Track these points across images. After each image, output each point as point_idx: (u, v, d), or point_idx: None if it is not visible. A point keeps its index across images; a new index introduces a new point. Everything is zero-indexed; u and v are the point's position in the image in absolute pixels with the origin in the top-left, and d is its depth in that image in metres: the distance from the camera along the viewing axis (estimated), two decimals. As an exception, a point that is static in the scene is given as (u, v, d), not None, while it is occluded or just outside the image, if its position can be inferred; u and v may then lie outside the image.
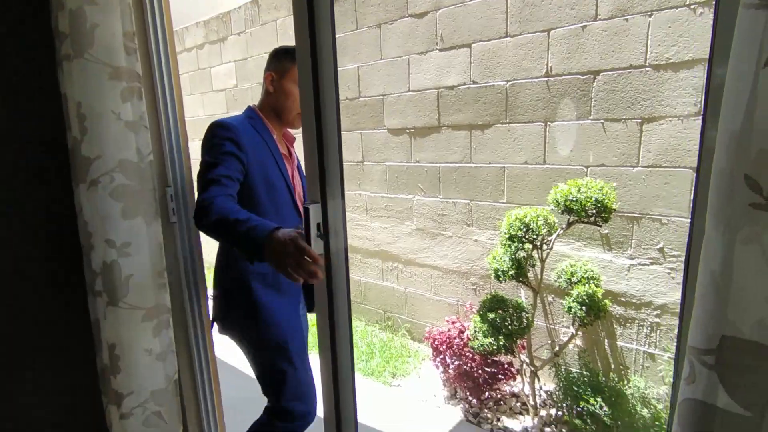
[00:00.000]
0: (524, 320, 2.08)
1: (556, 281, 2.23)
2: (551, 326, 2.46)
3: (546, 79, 2.23)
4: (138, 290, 1.22)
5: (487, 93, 2.45)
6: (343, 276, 1.07)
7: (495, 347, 2.13)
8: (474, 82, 2.48)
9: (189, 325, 1.51)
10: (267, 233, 1.03)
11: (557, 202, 1.90)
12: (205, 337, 1.57)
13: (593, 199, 1.80)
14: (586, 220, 1.86)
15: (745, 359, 0.36)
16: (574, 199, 1.83)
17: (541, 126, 2.29)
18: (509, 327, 2.05)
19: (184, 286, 1.49)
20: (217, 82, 4.14)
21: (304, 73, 0.96)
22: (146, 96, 1.27)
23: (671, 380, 2.07)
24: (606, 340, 2.31)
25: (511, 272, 2.07)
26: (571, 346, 2.37)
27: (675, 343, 2.04)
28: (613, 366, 2.31)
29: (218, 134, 1.39)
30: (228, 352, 2.95)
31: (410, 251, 3.02)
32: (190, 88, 4.46)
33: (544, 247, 2.12)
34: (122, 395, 1.25)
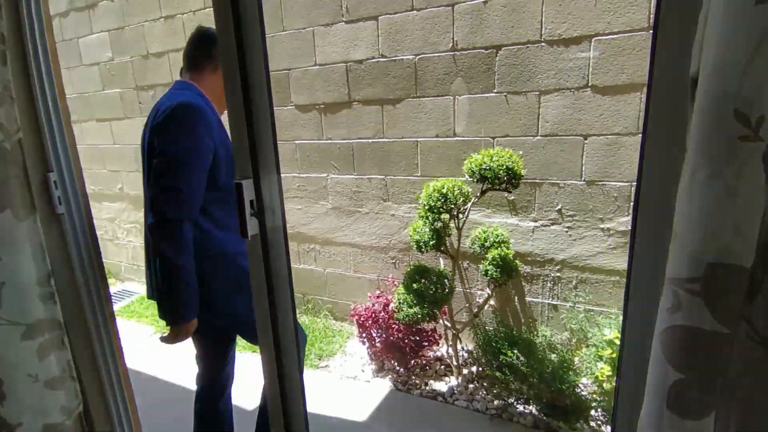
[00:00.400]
0: (447, 287, 2.17)
1: (470, 247, 2.35)
2: (467, 290, 2.61)
3: (452, 53, 2.30)
4: (13, 301, 1.01)
5: (396, 67, 2.45)
6: (283, 259, 1.00)
7: (420, 316, 2.20)
8: (383, 56, 2.47)
9: (94, 345, 1.30)
10: (185, 319, 1.34)
11: (472, 171, 1.99)
12: (116, 357, 1.38)
13: (505, 167, 1.91)
14: (498, 187, 1.98)
15: (726, 282, 0.41)
16: (488, 167, 1.93)
17: (450, 99, 2.37)
18: (434, 295, 2.13)
19: (83, 294, 1.28)
20: (87, 55, 3.59)
21: (225, 36, 0.85)
22: (14, 63, 1.04)
23: (572, 326, 2.33)
24: (516, 298, 2.51)
25: (432, 242, 2.14)
26: (486, 306, 2.54)
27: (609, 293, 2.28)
28: (523, 320, 2.53)
29: (197, 124, 1.28)
30: (149, 363, 2.65)
31: (327, 231, 2.97)
32: (51, 62, 3.81)
33: (460, 216, 2.22)
34: (12, 426, 1.06)
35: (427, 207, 2.10)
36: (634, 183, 2.09)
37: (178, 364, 2.72)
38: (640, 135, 1.98)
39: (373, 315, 2.48)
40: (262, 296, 1.01)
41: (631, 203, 2.10)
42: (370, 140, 2.64)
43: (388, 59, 2.46)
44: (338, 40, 2.57)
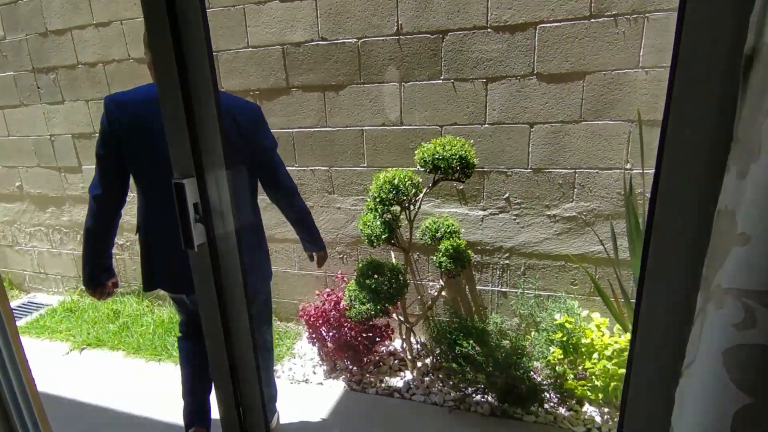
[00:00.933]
0: (402, 281, 2.10)
1: (421, 239, 2.30)
2: (419, 282, 2.57)
3: (397, 37, 2.20)
4: None
5: (338, 51, 2.31)
6: (236, 271, 0.86)
7: (373, 312, 2.12)
8: (323, 39, 2.31)
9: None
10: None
11: (424, 161, 1.92)
12: (27, 392, 1.14)
13: (458, 156, 1.86)
14: (451, 177, 1.93)
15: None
16: (441, 157, 1.87)
17: (396, 86, 2.27)
18: (389, 290, 2.05)
19: None
20: (-34, 31, 3.04)
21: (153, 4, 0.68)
22: None
23: (521, 311, 2.37)
24: (467, 287, 2.51)
25: (384, 236, 2.05)
26: (435, 294, 2.51)
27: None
28: (474, 308, 2.54)
29: None
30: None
31: (268, 227, 2.77)
32: None
33: (411, 207, 2.15)
34: None
35: (378, 199, 2.00)
36: (579, 170, 2.14)
37: (103, 384, 2.42)
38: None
39: (324, 314, 2.36)
40: (212, 316, 0.86)
41: (574, 190, 2.16)
42: (312, 129, 2.48)
43: (329, 42, 2.31)
44: (272, 20, 2.36)
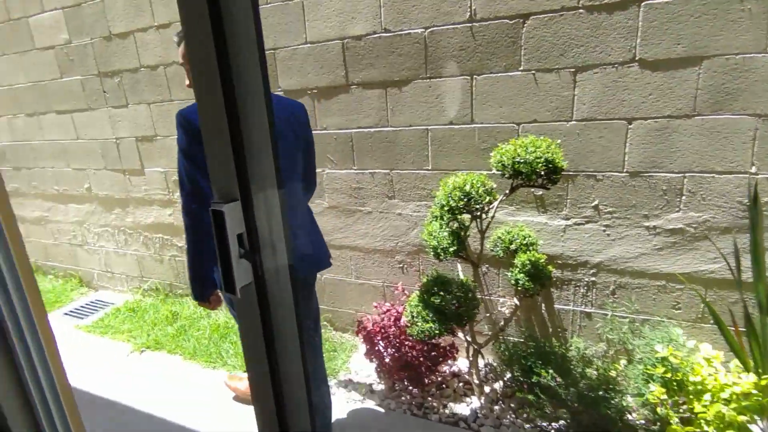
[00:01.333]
0: (473, 302, 1.86)
1: (492, 250, 2.05)
2: (486, 297, 2.31)
3: (470, 24, 1.95)
4: None
5: (402, 43, 2.10)
6: (288, 307, 0.67)
7: (438, 331, 1.90)
8: (386, 30, 2.11)
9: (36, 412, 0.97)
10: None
11: (503, 165, 1.67)
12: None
13: (543, 159, 1.59)
14: (535, 183, 1.66)
15: None
16: (523, 160, 1.61)
17: (466, 80, 2.03)
18: (458, 311, 1.82)
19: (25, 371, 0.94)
20: (40, 38, 3.14)
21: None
22: None
23: (608, 336, 2.05)
24: (543, 305, 2.23)
25: (453, 249, 1.82)
26: (508, 312, 2.25)
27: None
28: (551, 330, 2.25)
29: None
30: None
31: (324, 233, 2.62)
32: (0, 47, 3.34)
33: (483, 216, 1.90)
34: None
35: (447, 208, 1.77)
36: (689, 174, 1.79)
37: (158, 390, 2.38)
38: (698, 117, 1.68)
39: (382, 330, 2.17)
40: (259, 366, 0.68)
41: (682, 198, 1.81)
42: (372, 129, 2.30)
43: (393, 34, 2.10)
44: (332, 12, 2.20)
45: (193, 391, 2.40)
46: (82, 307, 3.49)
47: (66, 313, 3.40)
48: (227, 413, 2.22)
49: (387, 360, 2.22)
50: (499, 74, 1.97)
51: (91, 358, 2.79)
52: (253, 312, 0.63)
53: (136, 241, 3.40)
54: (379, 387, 2.29)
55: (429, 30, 2.03)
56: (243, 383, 2.27)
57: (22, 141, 3.63)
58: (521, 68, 1.93)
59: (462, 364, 2.38)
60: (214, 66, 0.54)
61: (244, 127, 0.54)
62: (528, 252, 1.93)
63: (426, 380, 2.20)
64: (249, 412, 2.22)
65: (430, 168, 2.23)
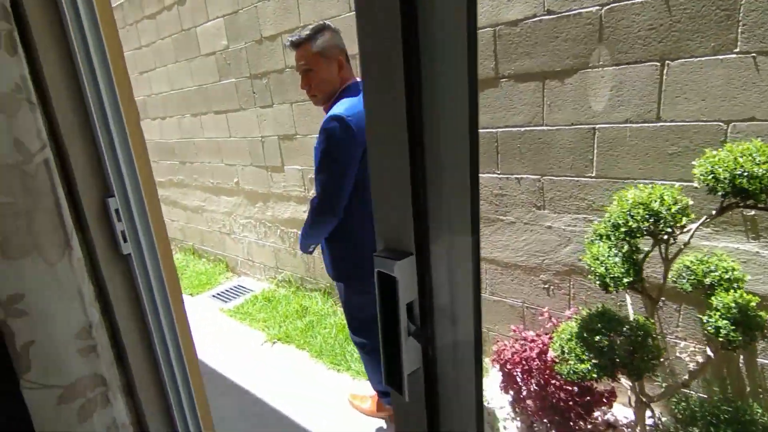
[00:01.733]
0: (651, 350, 1.47)
1: (674, 281, 1.61)
2: (658, 334, 1.86)
3: (665, -4, 1.54)
4: (45, 361, 0.72)
5: (569, 26, 1.76)
6: (469, 395, 0.47)
7: (595, 374, 1.55)
8: (549, 12, 1.80)
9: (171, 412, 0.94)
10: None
11: (715, 178, 1.26)
12: (194, 404, 1.00)
13: (783, 173, 1.15)
14: (763, 204, 1.22)
15: None
16: (749, 174, 1.18)
17: (654, 67, 1.62)
18: (632, 361, 1.45)
19: (158, 357, 0.93)
20: (205, 45, 3.46)
21: None
22: (48, 49, 0.66)
23: None
24: (741, 356, 1.71)
25: (628, 280, 1.46)
26: (693, 365, 1.78)
27: None
28: (749, 388, 1.72)
29: None
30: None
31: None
32: (175, 54, 3.78)
33: (672, 241, 1.49)
34: None
35: (626, 229, 1.42)
36: None
37: (288, 384, 2.43)
38: None
39: (523, 362, 1.88)
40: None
41: None
42: (523, 128, 2.00)
43: (557, 15, 1.78)
44: (484, -3, 1.95)
45: (319, 391, 2.39)
46: (226, 290, 3.81)
47: (213, 296, 3.73)
48: (350, 420, 2.16)
49: (525, 394, 1.93)
50: (704, 58, 1.52)
51: (231, 343, 2.99)
52: (419, 407, 0.44)
53: (273, 233, 3.58)
54: (514, 425, 2.01)
55: (606, 7, 1.66)
56: (366, 404, 2.18)
57: (188, 138, 4.07)
58: (736, 50, 1.46)
59: (619, 412, 1.97)
60: (399, 64, 0.35)
61: (428, 159, 0.34)
62: (733, 291, 1.47)
63: (574, 426, 1.85)
64: (371, 423, 2.14)
65: (593, 175, 1.86)
